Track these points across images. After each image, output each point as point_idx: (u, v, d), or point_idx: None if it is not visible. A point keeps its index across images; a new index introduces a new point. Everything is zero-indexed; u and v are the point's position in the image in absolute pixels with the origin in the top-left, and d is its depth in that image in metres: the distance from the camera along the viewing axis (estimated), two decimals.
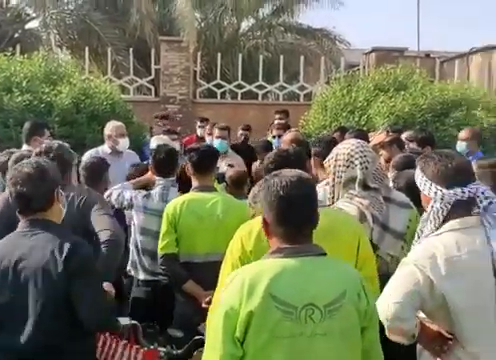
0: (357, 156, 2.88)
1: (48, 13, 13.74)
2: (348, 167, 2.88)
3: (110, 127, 5.67)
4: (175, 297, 3.58)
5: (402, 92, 7.88)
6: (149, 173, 4.13)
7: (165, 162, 3.94)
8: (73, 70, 8.16)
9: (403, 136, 5.70)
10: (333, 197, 2.92)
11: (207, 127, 7.40)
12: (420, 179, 2.25)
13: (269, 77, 12.32)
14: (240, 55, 12.28)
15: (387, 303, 2.09)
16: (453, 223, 2.14)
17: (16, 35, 13.76)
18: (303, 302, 1.89)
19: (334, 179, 2.92)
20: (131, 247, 3.90)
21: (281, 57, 11.97)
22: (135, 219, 3.88)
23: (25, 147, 4.85)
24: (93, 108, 7.49)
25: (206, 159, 3.58)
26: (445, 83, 8.91)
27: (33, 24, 14.70)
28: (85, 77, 8.59)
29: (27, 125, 5.26)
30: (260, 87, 12.05)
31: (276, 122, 7.48)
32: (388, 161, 4.52)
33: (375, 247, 2.77)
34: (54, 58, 8.37)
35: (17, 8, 14.57)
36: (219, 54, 11.99)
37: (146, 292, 3.85)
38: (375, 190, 2.88)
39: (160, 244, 3.45)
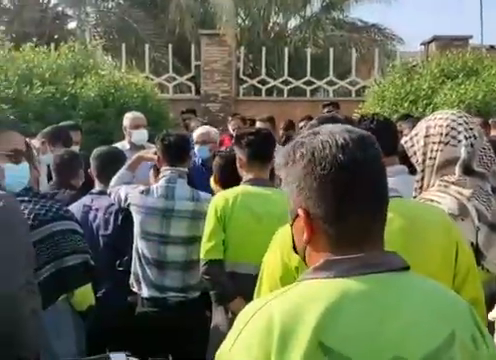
0: (461, 129, 2.02)
1: (85, 12, 13.37)
2: (447, 144, 2.04)
3: (125, 118, 4.92)
4: (211, 320, 2.82)
5: (473, 78, 6.89)
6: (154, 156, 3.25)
7: (174, 146, 3.09)
8: (102, 62, 7.57)
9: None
10: (421, 187, 2.09)
11: (232, 123, 6.56)
12: None
13: (317, 73, 11.44)
14: (286, 50, 11.47)
15: None
16: None
17: (56, 36, 13.37)
18: (381, 356, 1.01)
19: (424, 161, 2.10)
20: (133, 255, 3.06)
21: (331, 50, 11.10)
22: (135, 220, 3.06)
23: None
24: (123, 101, 6.85)
25: (266, 145, 2.81)
26: None
27: (72, 25, 14.42)
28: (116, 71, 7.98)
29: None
30: (308, 83, 11.16)
31: None
32: None
33: (480, 255, 1.93)
34: (82, 49, 7.74)
35: (56, 8, 14.25)
36: (264, 48, 11.23)
37: (153, 314, 3.00)
38: (481, 176, 2.03)
39: (204, 246, 2.69)
